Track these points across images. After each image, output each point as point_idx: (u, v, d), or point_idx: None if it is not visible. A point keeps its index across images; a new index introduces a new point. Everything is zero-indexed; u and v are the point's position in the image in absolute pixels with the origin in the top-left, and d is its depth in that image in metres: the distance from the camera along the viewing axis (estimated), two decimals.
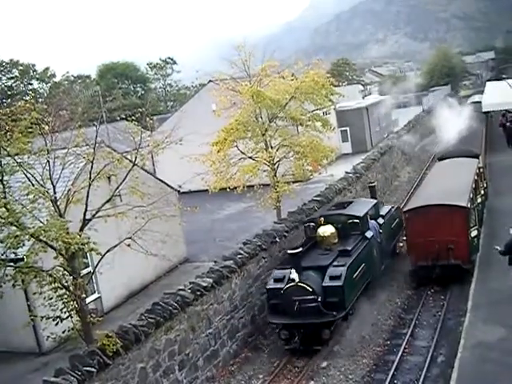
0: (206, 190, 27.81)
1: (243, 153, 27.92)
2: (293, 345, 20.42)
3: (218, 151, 27.26)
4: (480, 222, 27.67)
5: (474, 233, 25.07)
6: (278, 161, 28.10)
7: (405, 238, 27.48)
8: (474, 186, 27.48)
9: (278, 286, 20.87)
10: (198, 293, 19.43)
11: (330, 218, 24.30)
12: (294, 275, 20.33)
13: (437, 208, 24.42)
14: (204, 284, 19.87)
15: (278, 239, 24.86)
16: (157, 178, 27.81)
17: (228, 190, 27.71)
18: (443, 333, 20.78)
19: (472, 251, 24.64)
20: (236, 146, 27.85)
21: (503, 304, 20.14)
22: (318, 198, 30.45)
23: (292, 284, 20.32)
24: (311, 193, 34.37)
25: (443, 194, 25.54)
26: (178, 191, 28.19)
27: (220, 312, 20.68)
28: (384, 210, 28.39)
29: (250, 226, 30.56)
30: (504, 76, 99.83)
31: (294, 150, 27.99)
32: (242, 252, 22.70)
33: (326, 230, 23.50)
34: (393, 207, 30.39)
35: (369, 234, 24.36)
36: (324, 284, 20.54)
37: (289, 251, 21.60)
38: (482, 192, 30.86)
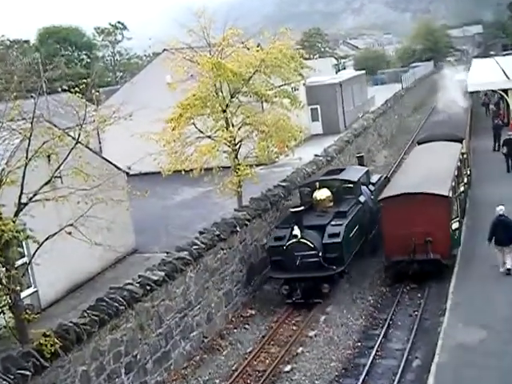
0: (159, 173, 27.71)
1: (201, 131, 27.86)
2: (295, 297, 23.50)
3: (173, 129, 27.14)
4: (462, 212, 28.03)
5: (455, 225, 25.34)
6: (240, 141, 28.10)
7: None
8: (456, 173, 27.76)
9: (280, 243, 24.13)
10: (148, 287, 19.36)
11: (326, 182, 27.75)
12: (297, 231, 23.58)
13: (415, 197, 24.57)
14: (154, 278, 19.80)
15: (238, 228, 24.96)
16: (103, 158, 27.58)
17: (183, 172, 27.62)
18: (420, 334, 21.03)
19: (453, 245, 24.94)
20: (193, 124, 27.78)
21: (485, 303, 20.50)
22: (283, 184, 30.55)
23: (294, 240, 23.61)
24: (277, 177, 34.42)
25: (422, 182, 25.71)
26: (127, 173, 28.03)
27: (172, 309, 20.64)
28: (374, 179, 32.00)
29: (208, 214, 30.51)
30: (492, 53, 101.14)
31: (258, 130, 28.01)
32: (197, 242, 22.66)
33: (322, 194, 26.87)
34: (382, 176, 33.90)
35: (362, 198, 27.89)
36: (324, 241, 23.82)
37: (291, 209, 25.09)
38: (465, 180, 31.26)
